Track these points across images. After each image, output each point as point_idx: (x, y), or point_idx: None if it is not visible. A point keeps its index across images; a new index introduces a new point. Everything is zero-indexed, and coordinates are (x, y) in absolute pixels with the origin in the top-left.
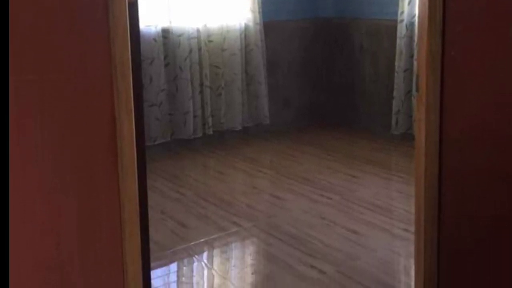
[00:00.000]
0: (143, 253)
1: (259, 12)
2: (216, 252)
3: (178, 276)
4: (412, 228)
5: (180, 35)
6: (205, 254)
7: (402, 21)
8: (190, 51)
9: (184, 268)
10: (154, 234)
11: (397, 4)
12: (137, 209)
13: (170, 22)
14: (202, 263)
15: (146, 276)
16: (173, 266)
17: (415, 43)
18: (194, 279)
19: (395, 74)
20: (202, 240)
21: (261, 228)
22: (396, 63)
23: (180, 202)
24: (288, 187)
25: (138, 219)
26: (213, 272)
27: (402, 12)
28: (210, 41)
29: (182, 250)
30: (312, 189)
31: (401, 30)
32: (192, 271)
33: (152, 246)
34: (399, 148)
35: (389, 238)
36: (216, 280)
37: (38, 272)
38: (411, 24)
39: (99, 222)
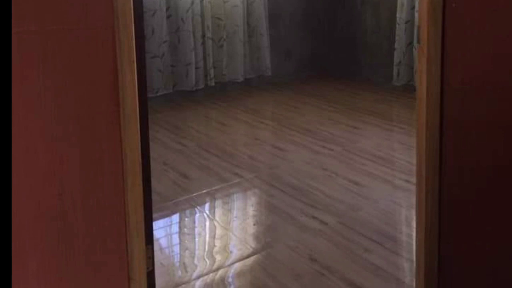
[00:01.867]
0: (145, 203)
1: None
2: (218, 203)
3: (180, 227)
4: (414, 179)
5: None
6: (207, 205)
7: None
8: (192, 2)
9: (186, 219)
10: (156, 185)
11: None
12: (139, 159)
13: None
14: (204, 214)
15: (148, 227)
16: (175, 217)
17: None
18: (196, 230)
19: (397, 25)
20: (204, 191)
21: (263, 179)
22: (398, 15)
23: (182, 153)
24: (290, 138)
25: (140, 170)
26: (215, 223)
27: None
28: None
29: (184, 201)
30: (314, 140)
31: None
32: (194, 222)
33: (154, 197)
34: (400, 99)
35: (391, 189)
36: (218, 231)
37: (40, 221)
38: None
39: (102, 172)
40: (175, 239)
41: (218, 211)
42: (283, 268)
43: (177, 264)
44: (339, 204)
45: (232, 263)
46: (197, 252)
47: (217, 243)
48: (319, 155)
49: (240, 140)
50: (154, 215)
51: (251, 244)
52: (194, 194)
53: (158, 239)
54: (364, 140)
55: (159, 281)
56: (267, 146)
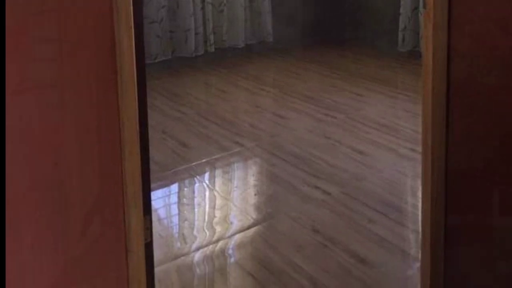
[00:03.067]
0: (143, 173)
1: None
2: (218, 172)
3: (179, 197)
4: (419, 148)
5: None
6: (206, 175)
7: None
8: None
9: (185, 189)
10: (154, 154)
11: None
12: (137, 128)
13: None
14: (204, 184)
15: (146, 197)
16: (174, 187)
17: None
18: (196, 200)
19: None
20: (203, 160)
21: (264, 148)
22: None
23: (181, 121)
24: (292, 106)
25: (138, 139)
26: (215, 193)
27: None
28: None
29: (183, 171)
30: (316, 107)
31: None
32: (193, 192)
33: (152, 166)
34: (405, 65)
35: (396, 158)
36: (218, 201)
37: (35, 191)
38: None
39: (99, 141)
40: (174, 209)
41: (218, 181)
42: (285, 239)
43: (176, 235)
44: (343, 173)
45: (233, 234)
46: (196, 223)
47: (217, 213)
48: (322, 123)
49: (241, 108)
50: (152, 185)
51: (252, 214)
52: (194, 163)
53: (156, 210)
54: (368, 108)
55: (157, 252)
56: (268, 113)
